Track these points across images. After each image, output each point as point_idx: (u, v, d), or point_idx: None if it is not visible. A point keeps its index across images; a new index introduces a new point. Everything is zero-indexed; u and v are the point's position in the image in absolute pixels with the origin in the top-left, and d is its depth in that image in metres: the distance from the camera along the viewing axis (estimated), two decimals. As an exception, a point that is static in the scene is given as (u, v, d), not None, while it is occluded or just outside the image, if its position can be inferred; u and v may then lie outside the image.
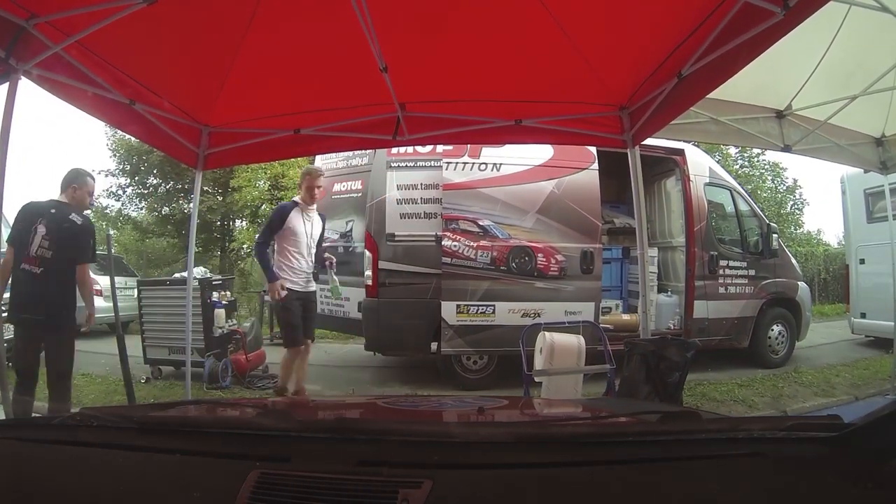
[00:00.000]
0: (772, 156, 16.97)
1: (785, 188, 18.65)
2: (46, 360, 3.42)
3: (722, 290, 6.12)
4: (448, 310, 5.27)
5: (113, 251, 6.13)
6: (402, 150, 5.40)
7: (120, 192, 15.50)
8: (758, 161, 18.26)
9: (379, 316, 5.35)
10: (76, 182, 3.64)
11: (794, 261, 7.04)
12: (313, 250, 4.41)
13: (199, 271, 6.22)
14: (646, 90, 3.44)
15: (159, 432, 1.04)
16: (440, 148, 5.32)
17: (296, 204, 4.31)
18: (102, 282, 6.70)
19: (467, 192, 5.37)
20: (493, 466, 0.85)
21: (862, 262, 7.45)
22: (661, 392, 3.05)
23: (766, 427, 0.93)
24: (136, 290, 6.48)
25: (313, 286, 4.44)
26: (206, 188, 13.73)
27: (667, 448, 0.92)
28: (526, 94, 3.60)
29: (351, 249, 6.14)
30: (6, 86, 2.60)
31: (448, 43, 3.04)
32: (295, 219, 4.24)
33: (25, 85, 2.65)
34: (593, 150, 5.48)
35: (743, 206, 6.57)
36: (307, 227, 4.31)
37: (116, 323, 4.81)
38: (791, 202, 18.70)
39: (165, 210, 15.29)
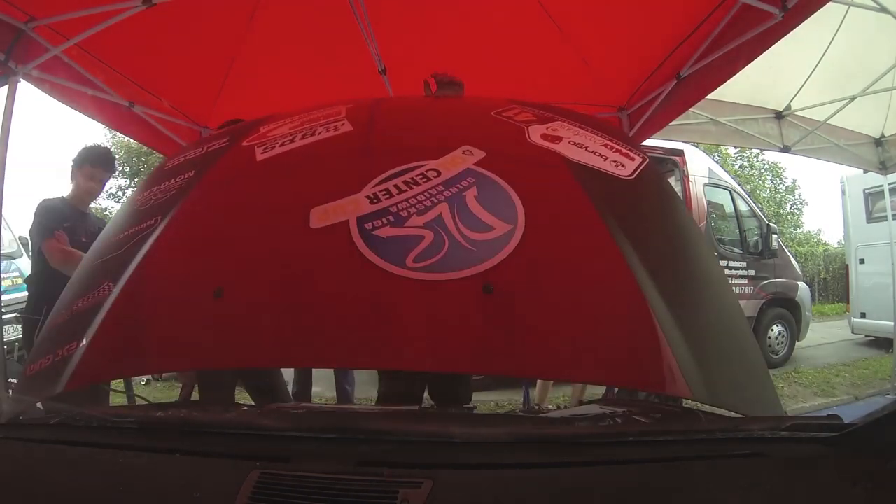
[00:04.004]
0: (771, 156, 16.96)
1: (784, 188, 18.67)
2: None
3: (722, 290, 6.11)
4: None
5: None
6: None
7: (120, 193, 15.52)
8: (757, 161, 18.28)
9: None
10: None
11: (793, 261, 7.04)
12: None
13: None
14: (644, 91, 3.44)
15: (159, 432, 1.03)
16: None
17: None
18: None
19: (467, 193, 5.36)
20: (493, 466, 0.85)
21: (862, 261, 7.45)
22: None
23: (766, 427, 0.92)
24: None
25: None
26: (205, 190, 13.72)
27: (667, 448, 0.92)
28: (524, 96, 3.57)
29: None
30: (6, 88, 2.60)
31: (447, 44, 3.04)
32: None
33: (25, 87, 2.66)
34: (593, 150, 5.47)
35: (742, 207, 6.57)
36: None
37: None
38: (790, 202, 18.72)
39: (165, 211, 15.31)
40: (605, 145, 1.27)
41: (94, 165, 2.84)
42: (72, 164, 2.86)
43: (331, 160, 1.28)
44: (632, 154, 1.28)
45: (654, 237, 1.22)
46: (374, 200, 1.07)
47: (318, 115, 1.41)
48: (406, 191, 1.07)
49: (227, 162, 1.37)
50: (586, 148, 1.23)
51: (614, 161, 1.23)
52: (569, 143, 1.24)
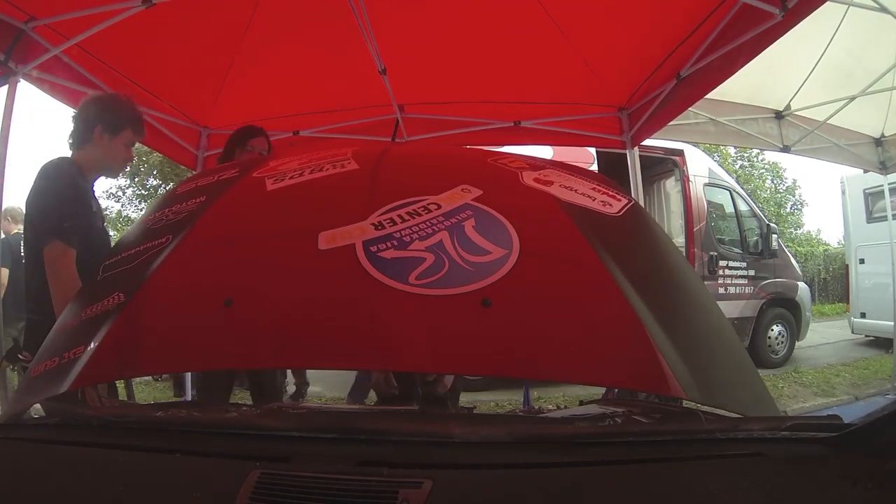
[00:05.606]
0: (771, 156, 17.01)
1: (784, 188, 18.69)
2: None
3: (721, 290, 6.12)
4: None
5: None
6: (402, 151, 5.40)
7: (120, 193, 15.53)
8: (757, 161, 18.29)
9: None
10: None
11: (793, 261, 7.05)
12: None
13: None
14: (644, 91, 3.44)
15: (159, 432, 1.04)
16: (440, 149, 5.31)
17: None
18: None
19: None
20: (493, 466, 0.85)
21: (862, 261, 7.46)
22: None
23: (766, 427, 0.93)
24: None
25: None
26: (205, 190, 13.70)
27: (667, 448, 0.92)
28: (525, 96, 3.61)
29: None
30: (6, 88, 2.60)
31: (447, 44, 3.05)
32: None
33: (25, 87, 2.66)
34: (592, 150, 5.48)
35: (742, 207, 6.58)
36: None
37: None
38: (791, 202, 18.74)
39: (165, 211, 15.30)
40: (594, 188, 1.40)
41: (136, 131, 2.12)
42: (93, 122, 2.02)
43: (338, 192, 1.38)
44: (619, 196, 1.41)
45: (639, 259, 1.33)
46: (379, 227, 1.16)
47: (325, 154, 1.52)
48: (409, 220, 1.17)
49: (239, 189, 1.46)
50: (576, 191, 1.36)
51: (602, 201, 1.36)
52: (560, 186, 1.37)
